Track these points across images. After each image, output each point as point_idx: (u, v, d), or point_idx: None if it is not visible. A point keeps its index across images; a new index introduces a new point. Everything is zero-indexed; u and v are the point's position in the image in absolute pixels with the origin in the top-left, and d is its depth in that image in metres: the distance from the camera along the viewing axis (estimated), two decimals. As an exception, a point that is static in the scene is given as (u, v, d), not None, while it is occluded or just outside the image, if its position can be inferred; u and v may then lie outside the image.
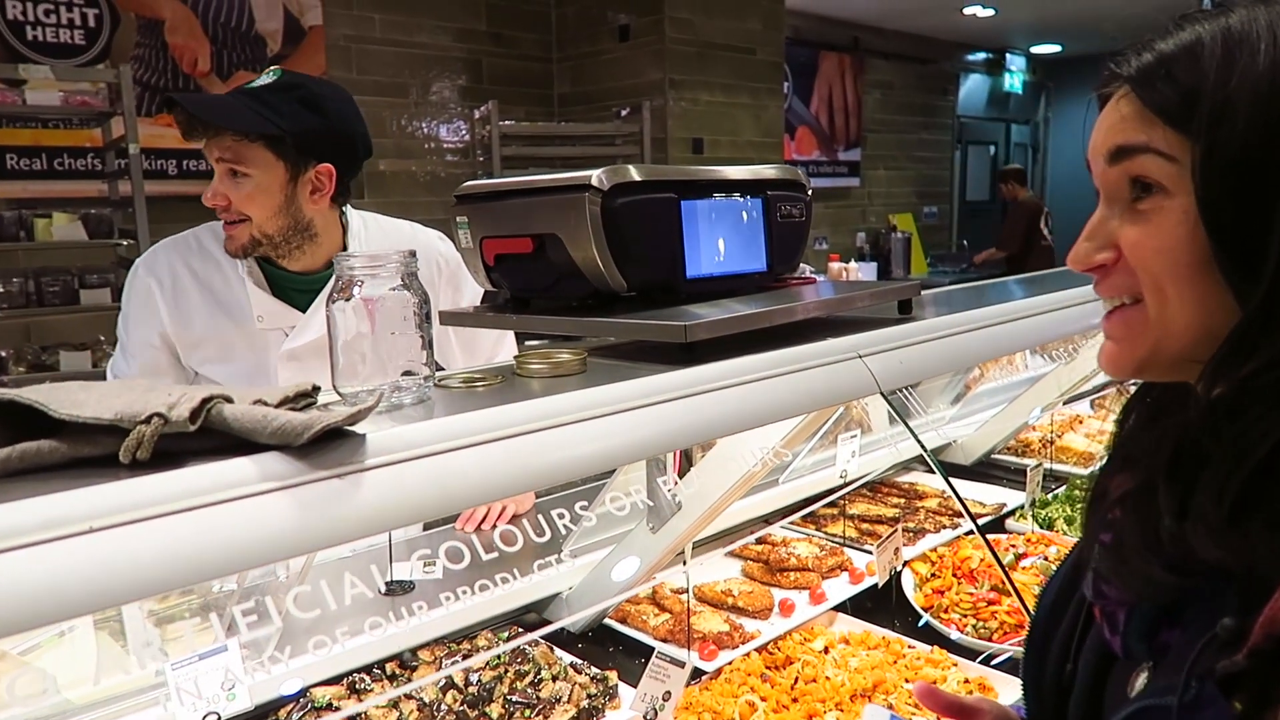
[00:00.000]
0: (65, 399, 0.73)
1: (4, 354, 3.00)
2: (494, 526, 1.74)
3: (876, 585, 1.72)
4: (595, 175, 1.21)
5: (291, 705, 1.32)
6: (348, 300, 0.95)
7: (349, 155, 1.60)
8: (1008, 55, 10.49)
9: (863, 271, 6.54)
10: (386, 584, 1.53)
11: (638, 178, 1.25)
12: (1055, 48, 10.41)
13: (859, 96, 8.36)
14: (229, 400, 0.77)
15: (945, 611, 1.72)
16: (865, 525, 2.08)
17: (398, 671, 1.42)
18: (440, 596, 1.50)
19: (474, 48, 5.47)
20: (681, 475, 1.49)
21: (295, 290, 1.63)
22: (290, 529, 0.73)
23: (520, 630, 1.56)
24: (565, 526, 1.36)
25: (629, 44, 5.51)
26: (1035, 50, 10.60)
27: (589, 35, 5.69)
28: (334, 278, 0.96)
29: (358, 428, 0.81)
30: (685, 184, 1.33)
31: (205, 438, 0.75)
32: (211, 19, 4.37)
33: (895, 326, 1.35)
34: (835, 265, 6.30)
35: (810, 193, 1.56)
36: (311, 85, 1.54)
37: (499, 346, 1.93)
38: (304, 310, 1.63)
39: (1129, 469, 0.70)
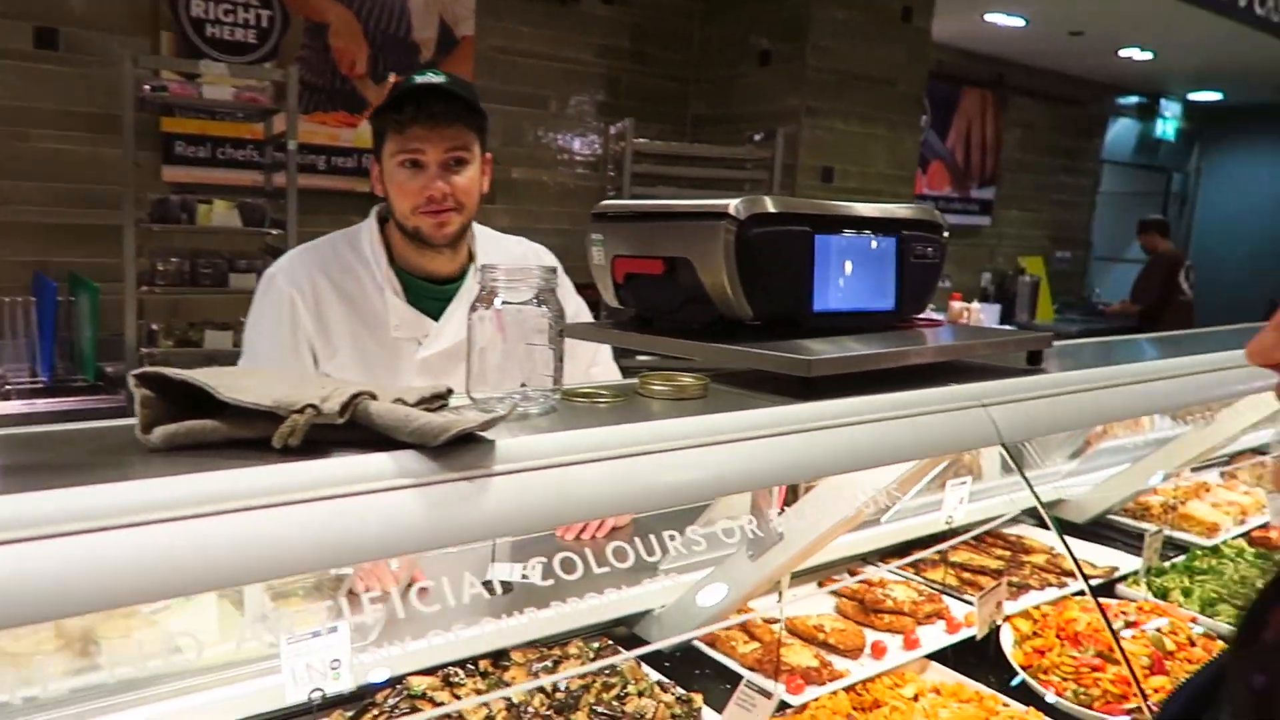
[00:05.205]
0: (231, 383, 0.79)
1: (155, 327, 3.23)
2: (593, 538, 1.78)
3: (974, 638, 1.68)
4: (733, 204, 1.23)
5: (388, 690, 1.38)
6: (488, 309, 0.99)
7: None
8: (1162, 100, 10.05)
9: (985, 313, 6.36)
10: (485, 584, 1.58)
11: (774, 209, 1.26)
12: (1215, 95, 9.92)
13: (999, 134, 8.15)
14: (374, 397, 0.83)
15: (1045, 673, 1.66)
16: (967, 575, 2.03)
17: (490, 670, 1.46)
18: (536, 601, 1.54)
19: (615, 64, 5.58)
20: (786, 506, 1.49)
21: (430, 299, 1.70)
22: (420, 525, 0.77)
23: (610, 642, 1.59)
24: (664, 545, 1.38)
25: (769, 69, 5.52)
26: (1193, 97, 10.12)
27: (730, 58, 5.73)
28: (479, 287, 1.01)
29: (489, 434, 0.85)
30: (820, 219, 1.33)
31: (350, 430, 0.80)
32: (373, 25, 4.59)
33: (1022, 378, 1.32)
34: (957, 304, 6.15)
35: (946, 235, 1.55)
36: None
37: (596, 362, 1.97)
38: (436, 319, 1.69)
39: None
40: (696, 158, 5.06)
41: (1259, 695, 0.55)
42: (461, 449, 0.82)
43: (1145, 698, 1.49)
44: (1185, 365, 1.59)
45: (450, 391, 0.97)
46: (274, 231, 3.22)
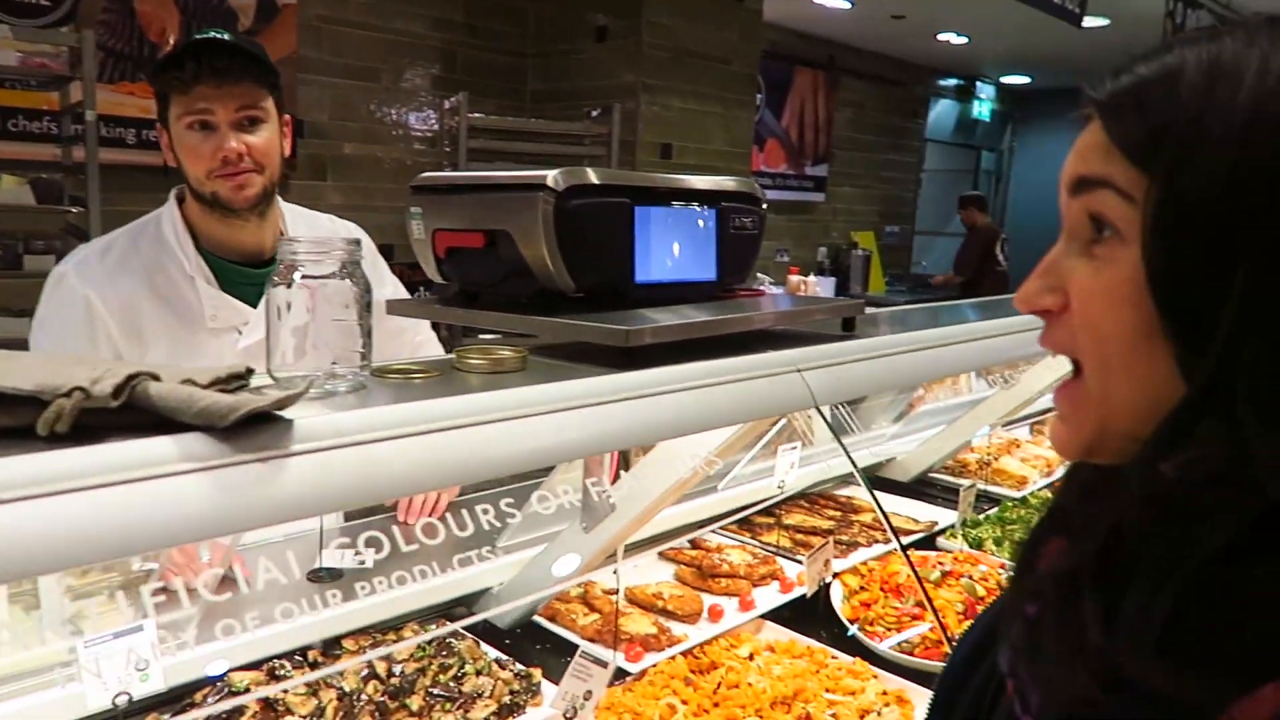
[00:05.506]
0: (-14, 367, 0.72)
1: (-60, 315, 2.94)
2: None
3: (805, 595, 1.75)
4: (551, 175, 1.22)
5: (209, 688, 1.31)
6: (289, 285, 0.95)
7: None
8: (978, 83, 10.66)
9: (821, 286, 6.61)
10: (314, 571, 1.52)
11: (594, 180, 1.26)
12: (1025, 79, 10.60)
13: (830, 114, 8.44)
14: (156, 378, 0.77)
15: (871, 624, 1.75)
16: (800, 536, 2.11)
17: (320, 660, 1.41)
18: (368, 586, 1.50)
19: (449, 37, 5.44)
20: (619, 477, 1.50)
21: (245, 284, 1.60)
22: (208, 510, 0.73)
23: (448, 624, 1.57)
24: (499, 522, 1.37)
25: (605, 45, 5.52)
26: (1005, 80, 10.79)
27: (566, 34, 5.69)
28: (277, 262, 0.96)
29: (287, 413, 0.81)
30: (640, 190, 1.34)
31: (130, 414, 0.75)
32: (182, -11, 4.29)
33: (837, 343, 1.37)
34: (794, 278, 6.36)
35: (765, 206, 1.58)
36: None
37: (418, 338, 1.92)
38: (254, 305, 1.60)
39: (1065, 539, 0.60)
40: (534, 133, 5.02)
41: (1031, 624, 0.58)
42: (255, 429, 0.77)
43: (953, 642, 1.58)
44: (988, 329, 1.69)
45: (251, 371, 0.92)
46: (74, 210, 2.98)
